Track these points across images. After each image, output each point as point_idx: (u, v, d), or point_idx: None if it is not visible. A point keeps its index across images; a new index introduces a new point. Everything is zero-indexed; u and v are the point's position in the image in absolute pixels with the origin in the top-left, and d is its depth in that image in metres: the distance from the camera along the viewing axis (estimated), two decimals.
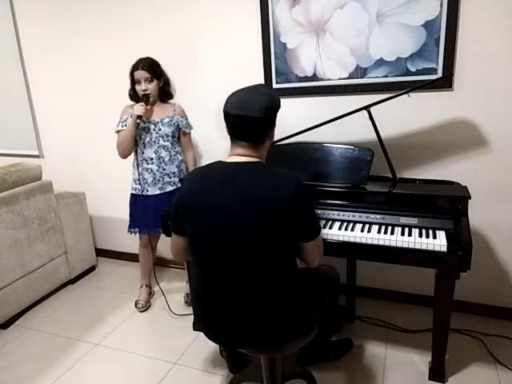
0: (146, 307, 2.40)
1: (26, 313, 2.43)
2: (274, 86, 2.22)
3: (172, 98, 2.23)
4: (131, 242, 2.86)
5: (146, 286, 2.50)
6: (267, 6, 2.11)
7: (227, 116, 1.30)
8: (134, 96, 2.16)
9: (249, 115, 1.25)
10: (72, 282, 2.77)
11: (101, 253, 3.13)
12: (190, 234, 1.34)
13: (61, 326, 2.30)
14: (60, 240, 2.64)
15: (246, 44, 2.24)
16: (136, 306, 2.41)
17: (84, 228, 2.84)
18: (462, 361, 1.85)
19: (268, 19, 2.13)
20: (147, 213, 2.22)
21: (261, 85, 1.39)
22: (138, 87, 2.11)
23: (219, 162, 1.32)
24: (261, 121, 1.26)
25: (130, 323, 2.29)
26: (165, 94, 2.19)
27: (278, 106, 1.35)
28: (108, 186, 2.91)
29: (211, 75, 2.39)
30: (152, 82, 2.10)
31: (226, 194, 1.23)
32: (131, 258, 3.00)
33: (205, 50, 2.36)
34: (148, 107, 2.11)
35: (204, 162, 2.56)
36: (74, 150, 2.96)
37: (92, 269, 2.95)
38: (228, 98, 1.32)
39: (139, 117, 2.07)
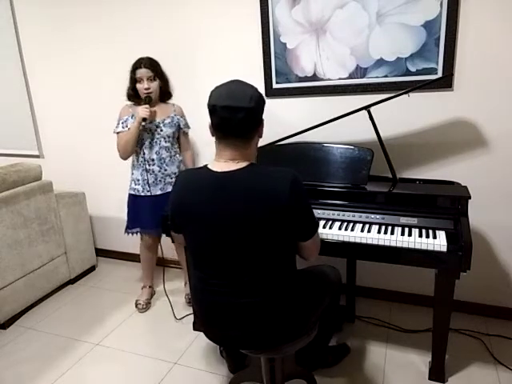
0: (146, 308, 2.40)
1: (26, 313, 2.43)
2: (274, 86, 2.22)
3: (171, 97, 2.23)
4: (131, 242, 2.86)
5: (150, 287, 2.49)
6: (267, 5, 2.11)
7: (214, 110, 1.19)
8: (134, 95, 2.14)
9: (239, 105, 1.16)
10: (72, 282, 2.77)
11: (101, 253, 3.13)
12: (188, 240, 1.35)
13: (61, 326, 2.30)
14: (60, 240, 2.64)
15: (246, 44, 2.24)
16: (136, 306, 2.41)
17: (84, 228, 2.83)
18: (462, 361, 1.85)
19: (268, 19, 2.13)
20: (149, 213, 2.20)
21: (239, 80, 1.30)
22: (139, 86, 2.08)
23: (206, 170, 1.25)
24: (251, 111, 1.19)
25: (130, 323, 2.29)
26: (165, 94, 2.18)
27: (264, 100, 1.28)
28: (108, 186, 2.91)
29: (211, 75, 2.38)
30: (154, 80, 2.09)
31: (220, 203, 1.21)
32: (131, 257, 3.00)
33: (205, 50, 2.36)
34: (152, 109, 2.09)
35: (203, 162, 2.55)
36: (73, 150, 2.96)
37: (92, 269, 2.95)
38: (212, 92, 1.23)
39: (144, 119, 2.04)
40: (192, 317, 2.24)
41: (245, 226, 1.19)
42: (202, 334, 2.10)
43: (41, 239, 2.49)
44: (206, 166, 1.28)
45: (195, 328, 2.17)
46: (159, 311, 2.39)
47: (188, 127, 2.27)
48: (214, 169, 1.25)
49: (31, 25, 2.80)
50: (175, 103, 2.24)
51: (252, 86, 1.24)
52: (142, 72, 2.06)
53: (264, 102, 1.28)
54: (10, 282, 2.30)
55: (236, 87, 1.22)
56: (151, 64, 2.07)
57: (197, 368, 1.91)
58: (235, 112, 1.17)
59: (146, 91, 2.07)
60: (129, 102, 2.18)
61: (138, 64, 2.07)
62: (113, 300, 2.54)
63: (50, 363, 2.00)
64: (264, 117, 1.31)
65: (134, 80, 2.10)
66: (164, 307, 2.40)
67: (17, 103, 3.02)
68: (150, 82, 2.07)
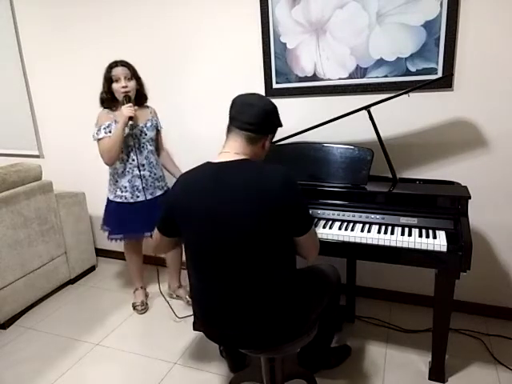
0: (145, 310, 2.38)
1: (26, 313, 2.43)
2: (274, 86, 2.22)
3: (147, 100, 2.18)
4: None
5: (141, 288, 2.48)
6: (267, 5, 2.11)
7: (232, 104, 1.36)
8: (110, 99, 2.05)
9: (254, 103, 1.33)
10: (72, 282, 2.77)
11: (101, 253, 3.13)
12: (186, 238, 1.35)
13: (61, 326, 2.30)
14: (60, 240, 2.64)
15: (246, 44, 2.24)
16: (135, 308, 2.39)
17: (84, 228, 2.84)
18: (462, 361, 1.85)
19: (268, 19, 2.13)
20: (139, 218, 2.16)
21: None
22: (116, 85, 2.00)
23: (207, 164, 1.32)
24: (264, 112, 1.32)
25: (129, 323, 2.29)
26: (142, 96, 2.13)
27: (278, 119, 1.41)
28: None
29: (211, 75, 2.38)
30: (131, 80, 2.04)
31: (216, 197, 1.23)
32: None
33: (205, 50, 2.36)
34: (136, 108, 2.05)
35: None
36: (73, 150, 2.96)
37: (92, 269, 2.95)
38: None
39: (130, 118, 1.98)
40: (192, 317, 2.24)
41: (240, 218, 1.20)
42: (201, 334, 2.10)
43: (41, 239, 2.49)
44: (207, 161, 1.33)
45: (195, 328, 2.17)
46: (159, 311, 2.39)
47: (161, 127, 2.25)
48: (214, 161, 1.31)
49: (31, 25, 2.79)
50: (149, 105, 2.21)
51: (272, 103, 1.38)
52: (119, 70, 1.99)
53: (276, 120, 1.40)
54: (10, 281, 2.30)
55: (258, 96, 1.38)
56: (128, 64, 2.04)
57: (197, 368, 1.91)
58: (250, 107, 1.32)
59: (123, 89, 2.00)
60: (104, 109, 2.09)
61: (114, 63, 2.02)
62: (113, 300, 2.54)
63: (50, 363, 2.00)
64: None
65: (109, 80, 2.02)
66: (163, 307, 2.40)
67: (17, 103, 3.02)
68: (127, 81, 2.01)
